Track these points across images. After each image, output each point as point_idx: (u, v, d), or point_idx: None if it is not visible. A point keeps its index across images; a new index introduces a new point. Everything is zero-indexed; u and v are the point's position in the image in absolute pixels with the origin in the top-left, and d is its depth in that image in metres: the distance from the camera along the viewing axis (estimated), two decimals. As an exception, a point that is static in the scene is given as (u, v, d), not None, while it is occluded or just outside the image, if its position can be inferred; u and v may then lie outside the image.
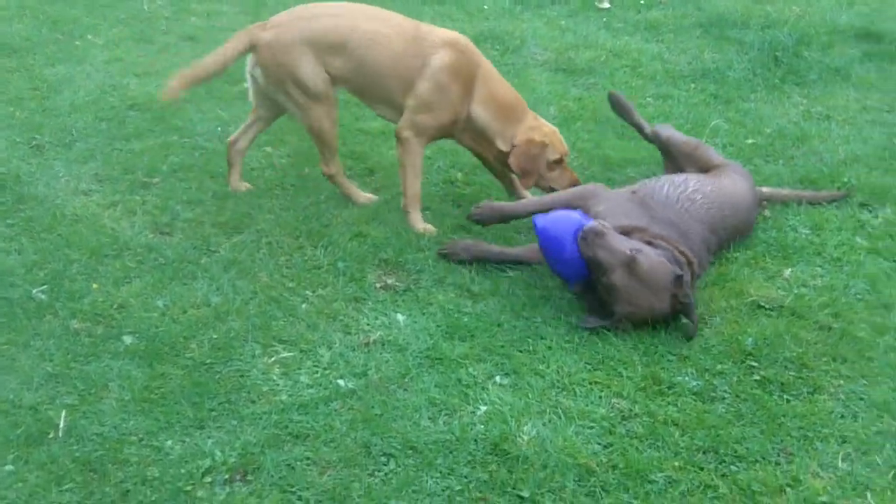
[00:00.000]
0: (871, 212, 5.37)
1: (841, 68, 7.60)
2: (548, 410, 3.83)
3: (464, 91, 5.14)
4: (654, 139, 5.64)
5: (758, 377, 4.03)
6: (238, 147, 5.70)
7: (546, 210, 4.73)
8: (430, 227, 5.23)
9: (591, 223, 4.32)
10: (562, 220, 4.49)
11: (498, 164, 5.40)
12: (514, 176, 5.45)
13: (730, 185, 4.99)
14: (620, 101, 5.92)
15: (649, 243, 4.35)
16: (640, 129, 5.86)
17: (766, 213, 5.31)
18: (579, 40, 8.48)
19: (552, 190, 5.19)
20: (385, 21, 5.24)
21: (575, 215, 4.52)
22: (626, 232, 4.44)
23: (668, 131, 5.60)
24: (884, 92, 7.17)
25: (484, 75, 5.19)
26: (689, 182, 4.87)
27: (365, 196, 5.54)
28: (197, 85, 5.42)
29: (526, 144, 5.12)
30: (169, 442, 3.66)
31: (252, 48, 5.25)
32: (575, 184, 5.17)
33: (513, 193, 5.59)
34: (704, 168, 5.24)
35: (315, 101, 5.23)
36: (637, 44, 8.41)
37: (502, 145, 5.19)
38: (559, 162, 5.20)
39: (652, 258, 4.25)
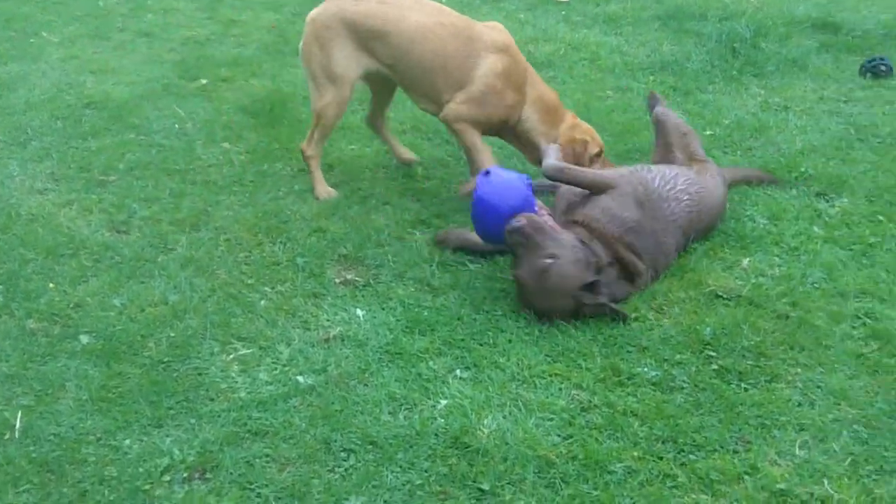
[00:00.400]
0: (827, 201, 5.40)
1: (798, 59, 7.64)
2: (508, 403, 3.83)
3: (518, 95, 5.18)
4: (653, 117, 5.63)
5: (716, 367, 4.04)
6: (377, 125, 5.82)
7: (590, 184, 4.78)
8: None
9: (523, 220, 4.33)
10: (506, 191, 4.46)
11: (535, 164, 5.39)
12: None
13: (713, 187, 5.00)
14: (654, 99, 5.86)
15: (583, 242, 4.41)
16: None
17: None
18: (538, 33, 8.49)
19: None
20: (436, 16, 5.25)
21: (521, 186, 4.49)
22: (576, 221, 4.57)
23: (664, 110, 5.60)
24: (840, 82, 7.21)
25: (531, 78, 5.25)
26: (678, 179, 4.86)
27: (327, 190, 5.52)
28: None
29: (569, 143, 5.15)
30: (127, 441, 3.63)
31: None
32: None
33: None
34: (687, 157, 5.26)
35: (331, 84, 5.28)
36: (596, 37, 8.42)
37: (543, 143, 5.21)
38: (599, 155, 5.26)
39: (563, 268, 4.26)
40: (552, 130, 5.23)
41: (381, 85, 5.62)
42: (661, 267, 4.63)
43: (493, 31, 5.28)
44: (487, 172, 4.54)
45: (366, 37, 5.18)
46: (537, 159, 5.31)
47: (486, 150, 5.31)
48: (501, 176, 4.56)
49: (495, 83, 5.12)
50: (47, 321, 4.36)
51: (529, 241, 4.28)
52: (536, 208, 4.46)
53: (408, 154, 5.89)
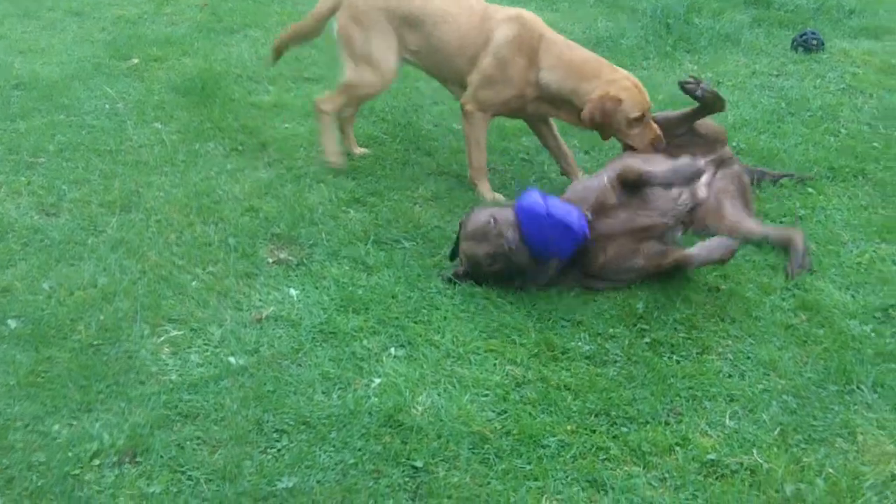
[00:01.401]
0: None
1: (731, 34, 7.70)
2: (442, 380, 3.83)
3: (528, 63, 5.06)
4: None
5: (648, 339, 4.08)
6: (343, 115, 5.74)
7: None
8: (498, 195, 5.25)
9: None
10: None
11: (577, 123, 5.15)
12: (570, 159, 5.46)
13: None
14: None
15: None
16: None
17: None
18: (474, 10, 8.44)
19: (631, 148, 4.98)
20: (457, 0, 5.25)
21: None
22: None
23: None
24: (772, 56, 7.29)
25: (547, 44, 5.08)
26: None
27: (337, 155, 5.54)
28: (295, 46, 5.94)
29: (600, 100, 4.87)
30: (56, 426, 3.57)
31: (337, 7, 5.41)
32: (656, 141, 4.91)
33: (566, 173, 5.47)
34: None
35: (370, 67, 5.32)
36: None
37: (577, 102, 4.98)
38: (640, 119, 4.91)
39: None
40: (583, 85, 4.94)
41: None
42: None
43: (510, 8, 5.24)
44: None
45: (398, 24, 5.25)
46: (577, 120, 5.07)
47: (482, 152, 5.30)
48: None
49: (504, 53, 5.06)
50: (-26, 306, 4.28)
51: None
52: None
53: (359, 149, 5.82)
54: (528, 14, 5.21)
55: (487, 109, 5.21)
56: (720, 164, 5.01)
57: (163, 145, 5.84)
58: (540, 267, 4.35)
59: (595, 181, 4.59)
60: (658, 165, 4.60)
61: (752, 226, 4.81)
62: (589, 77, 4.96)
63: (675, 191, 4.56)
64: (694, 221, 4.78)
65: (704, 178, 4.84)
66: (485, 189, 5.29)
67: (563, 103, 5.09)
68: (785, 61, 7.16)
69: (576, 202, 4.42)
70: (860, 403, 3.73)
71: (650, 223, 4.46)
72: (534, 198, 4.32)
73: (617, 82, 4.91)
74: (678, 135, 5.04)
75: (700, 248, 4.36)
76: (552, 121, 5.43)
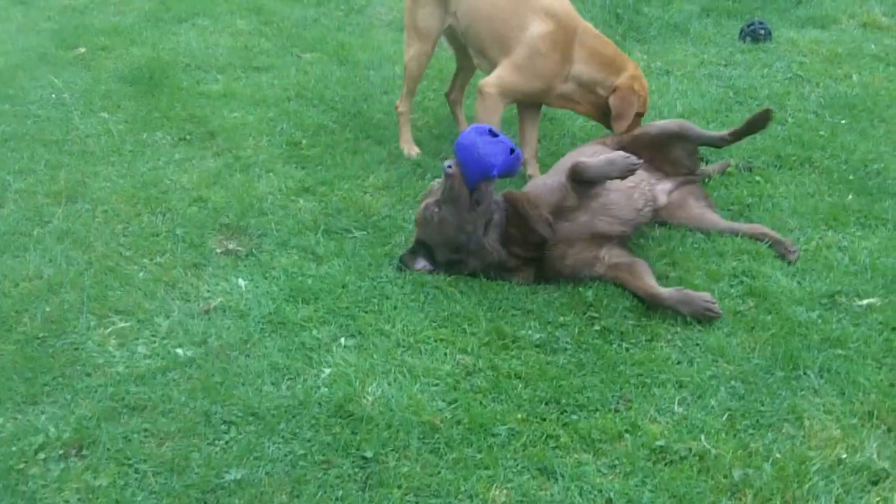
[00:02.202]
0: (707, 164, 5.48)
1: (680, 24, 7.73)
2: (393, 370, 3.82)
3: (562, 58, 5.09)
4: None
5: (598, 327, 4.09)
6: (452, 98, 6.02)
7: None
8: None
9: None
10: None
11: (597, 115, 5.31)
12: (534, 150, 5.48)
13: None
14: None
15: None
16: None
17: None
18: None
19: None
20: None
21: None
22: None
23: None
24: (721, 46, 7.32)
25: (581, 38, 5.12)
26: None
27: (411, 148, 5.64)
28: None
29: (630, 90, 5.09)
30: (0, 420, 3.52)
31: None
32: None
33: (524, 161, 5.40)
34: None
35: (416, 38, 5.55)
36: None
37: (602, 91, 5.14)
38: (640, 115, 5.23)
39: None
40: (610, 77, 5.12)
41: (463, 52, 5.70)
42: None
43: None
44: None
45: None
46: (592, 110, 5.26)
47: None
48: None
49: (540, 46, 5.06)
50: (-85, 299, 4.21)
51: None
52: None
53: None
54: (561, 7, 5.18)
55: (508, 96, 5.22)
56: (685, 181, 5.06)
57: (109, 135, 5.78)
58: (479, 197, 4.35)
59: (555, 180, 4.57)
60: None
61: (717, 219, 4.85)
62: (617, 71, 5.13)
63: (637, 199, 4.61)
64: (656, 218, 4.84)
65: (667, 186, 4.93)
66: None
67: (586, 94, 5.20)
68: (733, 51, 7.20)
69: (533, 199, 4.45)
70: (807, 389, 3.76)
71: (609, 230, 4.47)
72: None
73: (639, 79, 5.16)
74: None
75: (675, 293, 4.21)
76: (540, 111, 5.52)
